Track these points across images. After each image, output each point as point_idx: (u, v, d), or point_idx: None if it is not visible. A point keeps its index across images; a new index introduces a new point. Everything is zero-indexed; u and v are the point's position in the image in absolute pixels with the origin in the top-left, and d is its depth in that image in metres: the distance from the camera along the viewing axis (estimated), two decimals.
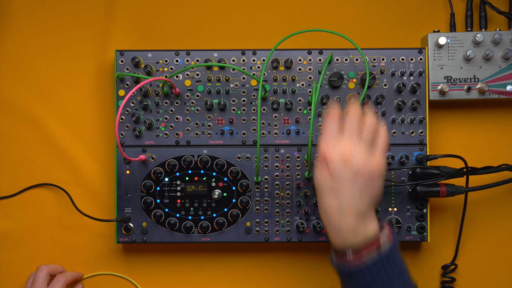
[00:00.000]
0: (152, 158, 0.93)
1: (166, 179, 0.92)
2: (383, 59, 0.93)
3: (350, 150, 0.75)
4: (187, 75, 0.93)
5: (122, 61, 0.93)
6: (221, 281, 0.97)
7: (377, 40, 0.98)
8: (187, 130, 0.93)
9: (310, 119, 0.93)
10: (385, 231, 0.76)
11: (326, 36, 0.92)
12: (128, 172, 0.93)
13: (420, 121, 0.93)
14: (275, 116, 0.93)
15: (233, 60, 0.93)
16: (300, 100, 0.93)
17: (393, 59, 0.93)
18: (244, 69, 0.93)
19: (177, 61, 0.93)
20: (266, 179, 0.93)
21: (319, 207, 0.78)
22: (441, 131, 0.97)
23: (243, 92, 0.93)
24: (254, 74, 0.92)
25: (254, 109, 0.93)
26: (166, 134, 0.93)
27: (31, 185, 0.97)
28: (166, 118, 0.93)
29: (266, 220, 0.93)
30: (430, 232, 0.94)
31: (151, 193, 0.92)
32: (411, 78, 0.93)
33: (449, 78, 0.93)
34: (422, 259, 0.97)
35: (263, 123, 0.93)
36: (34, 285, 0.90)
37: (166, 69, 0.93)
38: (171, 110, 0.93)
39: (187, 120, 0.93)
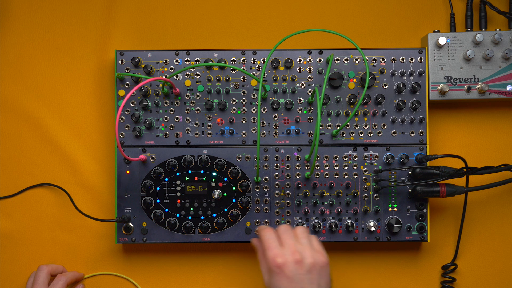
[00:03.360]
0: (152, 158, 0.93)
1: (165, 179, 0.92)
2: (383, 59, 0.93)
3: (298, 251, 0.81)
4: (187, 75, 0.93)
5: (122, 61, 0.93)
6: (221, 281, 0.97)
7: (377, 40, 0.98)
8: (187, 130, 0.93)
9: (310, 119, 0.93)
10: None
11: (326, 36, 0.92)
12: (128, 172, 0.93)
13: (420, 121, 0.93)
14: (275, 116, 0.93)
15: (233, 60, 0.93)
16: (300, 100, 0.93)
17: (393, 59, 0.93)
18: (244, 69, 0.93)
19: (177, 61, 0.93)
20: (266, 179, 0.93)
21: None
22: (441, 131, 0.97)
23: (243, 92, 0.93)
24: (254, 74, 0.92)
25: (254, 109, 0.93)
26: (166, 134, 0.93)
27: (31, 185, 0.97)
28: (166, 118, 0.93)
29: (266, 220, 0.93)
30: (430, 232, 0.94)
31: (151, 193, 0.92)
32: (411, 78, 0.93)
33: (449, 78, 0.93)
34: (422, 259, 0.97)
35: (263, 123, 0.93)
36: (35, 284, 0.90)
37: (166, 69, 0.93)
38: (171, 110, 0.93)
39: (187, 120, 0.93)
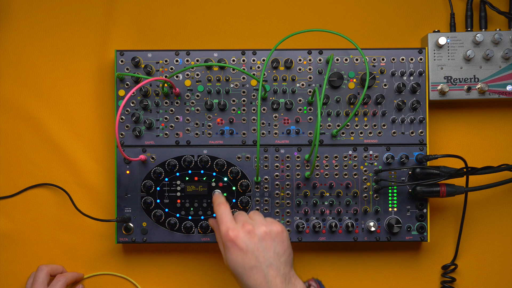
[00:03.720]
0: (152, 158, 0.93)
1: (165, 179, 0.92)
2: (383, 59, 0.93)
3: (249, 223, 0.82)
4: (187, 75, 0.93)
5: (122, 61, 0.93)
6: (221, 281, 0.97)
7: (377, 40, 0.98)
8: (187, 130, 0.93)
9: (310, 119, 0.93)
10: (312, 285, 0.83)
11: (326, 36, 0.92)
12: (128, 172, 0.92)
13: (420, 121, 0.93)
14: (275, 116, 0.93)
15: (233, 60, 0.93)
16: (300, 100, 0.93)
17: (393, 59, 0.93)
18: (244, 69, 0.93)
19: (177, 61, 0.93)
20: (266, 179, 0.93)
21: None
22: (441, 131, 0.97)
23: (243, 92, 0.93)
24: (254, 74, 0.92)
25: (254, 109, 0.93)
26: (166, 134, 0.93)
27: (31, 185, 0.97)
28: (166, 118, 0.93)
29: None
30: (430, 232, 0.94)
31: (151, 193, 0.92)
32: (411, 78, 0.93)
33: (449, 78, 0.93)
34: (422, 259, 0.97)
35: (263, 123, 0.93)
36: (34, 285, 0.90)
37: (166, 69, 0.93)
38: (171, 110, 0.93)
39: (187, 120, 0.93)
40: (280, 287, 0.78)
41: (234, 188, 0.93)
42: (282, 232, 0.82)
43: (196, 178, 0.93)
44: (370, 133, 0.93)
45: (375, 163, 0.93)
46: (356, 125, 0.93)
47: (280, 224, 0.83)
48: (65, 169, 0.97)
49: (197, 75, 0.93)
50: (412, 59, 0.93)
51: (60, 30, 0.98)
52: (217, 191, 0.91)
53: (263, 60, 0.93)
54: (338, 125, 0.93)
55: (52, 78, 0.97)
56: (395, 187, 0.93)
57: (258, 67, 0.93)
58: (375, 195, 0.93)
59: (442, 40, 0.92)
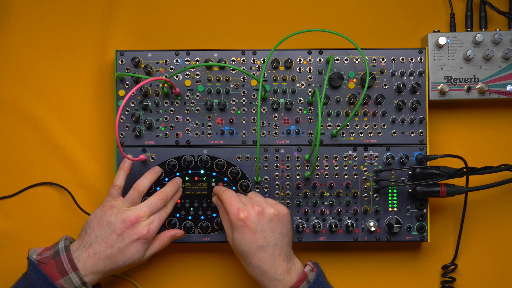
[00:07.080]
0: (152, 158, 0.93)
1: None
2: (383, 59, 0.93)
3: (257, 204, 0.85)
4: (187, 75, 0.93)
5: (122, 61, 0.93)
6: (221, 281, 0.97)
7: (377, 40, 0.98)
8: (187, 130, 0.93)
9: (310, 119, 0.93)
10: (308, 264, 0.86)
11: (326, 36, 0.92)
12: (128, 172, 0.92)
13: (420, 121, 0.93)
14: (275, 116, 0.93)
15: (233, 60, 0.93)
16: (300, 100, 0.93)
17: (393, 59, 0.93)
18: (244, 69, 0.93)
19: (177, 61, 0.93)
20: (266, 179, 0.93)
21: (249, 268, 0.84)
22: (441, 131, 0.97)
23: (243, 92, 0.93)
24: (254, 74, 0.92)
25: (254, 109, 0.93)
26: (166, 134, 0.93)
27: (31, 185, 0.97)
28: (166, 118, 0.93)
29: None
30: (430, 232, 0.94)
31: (151, 193, 0.92)
32: (411, 78, 0.93)
33: (449, 78, 0.93)
34: (422, 259, 0.97)
35: (263, 123, 0.93)
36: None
37: (166, 69, 0.93)
38: (171, 110, 0.93)
39: (187, 120, 0.93)
40: (283, 264, 0.82)
41: (234, 188, 0.93)
42: (288, 214, 0.86)
43: (196, 178, 0.93)
44: (370, 133, 0.93)
45: (375, 163, 0.93)
46: (356, 125, 0.93)
47: (285, 206, 0.87)
48: (65, 169, 0.97)
49: (197, 75, 0.93)
50: (412, 59, 0.93)
51: (60, 30, 0.98)
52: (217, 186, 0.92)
53: (263, 60, 0.93)
54: (338, 125, 0.93)
55: (52, 78, 0.97)
56: (395, 187, 0.93)
57: (258, 67, 0.93)
58: (375, 195, 0.93)
59: (442, 40, 0.92)
